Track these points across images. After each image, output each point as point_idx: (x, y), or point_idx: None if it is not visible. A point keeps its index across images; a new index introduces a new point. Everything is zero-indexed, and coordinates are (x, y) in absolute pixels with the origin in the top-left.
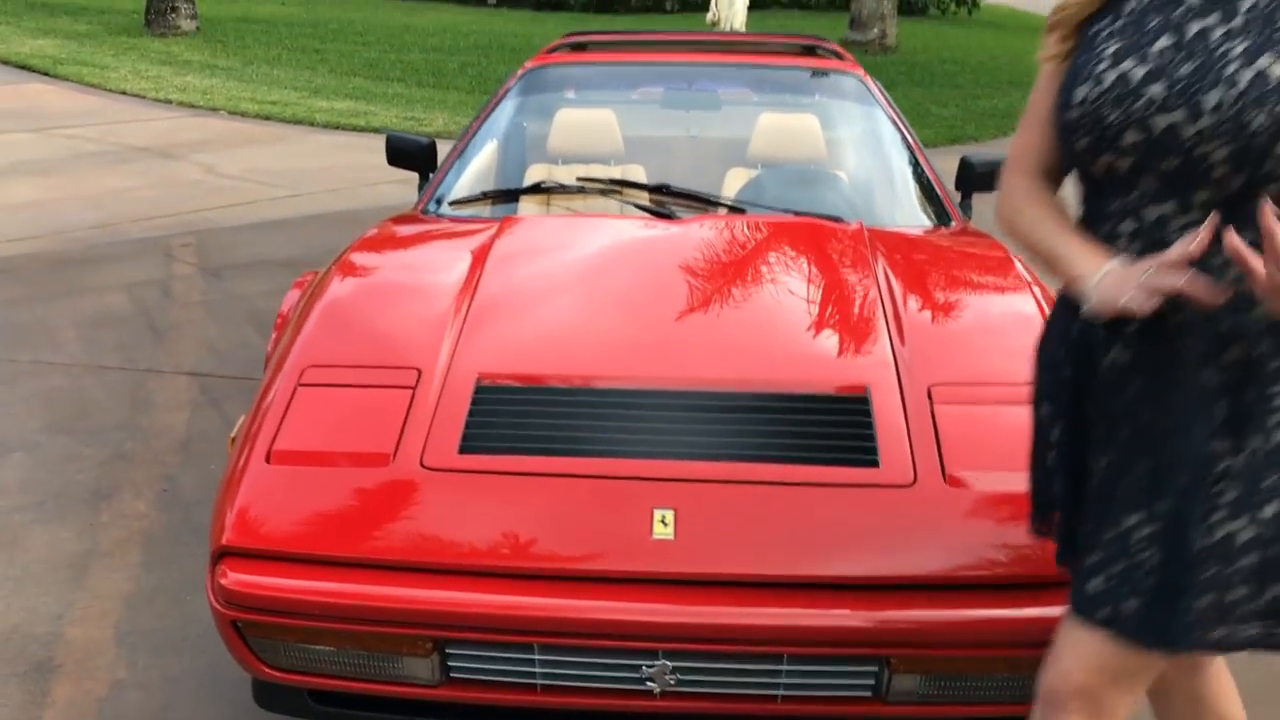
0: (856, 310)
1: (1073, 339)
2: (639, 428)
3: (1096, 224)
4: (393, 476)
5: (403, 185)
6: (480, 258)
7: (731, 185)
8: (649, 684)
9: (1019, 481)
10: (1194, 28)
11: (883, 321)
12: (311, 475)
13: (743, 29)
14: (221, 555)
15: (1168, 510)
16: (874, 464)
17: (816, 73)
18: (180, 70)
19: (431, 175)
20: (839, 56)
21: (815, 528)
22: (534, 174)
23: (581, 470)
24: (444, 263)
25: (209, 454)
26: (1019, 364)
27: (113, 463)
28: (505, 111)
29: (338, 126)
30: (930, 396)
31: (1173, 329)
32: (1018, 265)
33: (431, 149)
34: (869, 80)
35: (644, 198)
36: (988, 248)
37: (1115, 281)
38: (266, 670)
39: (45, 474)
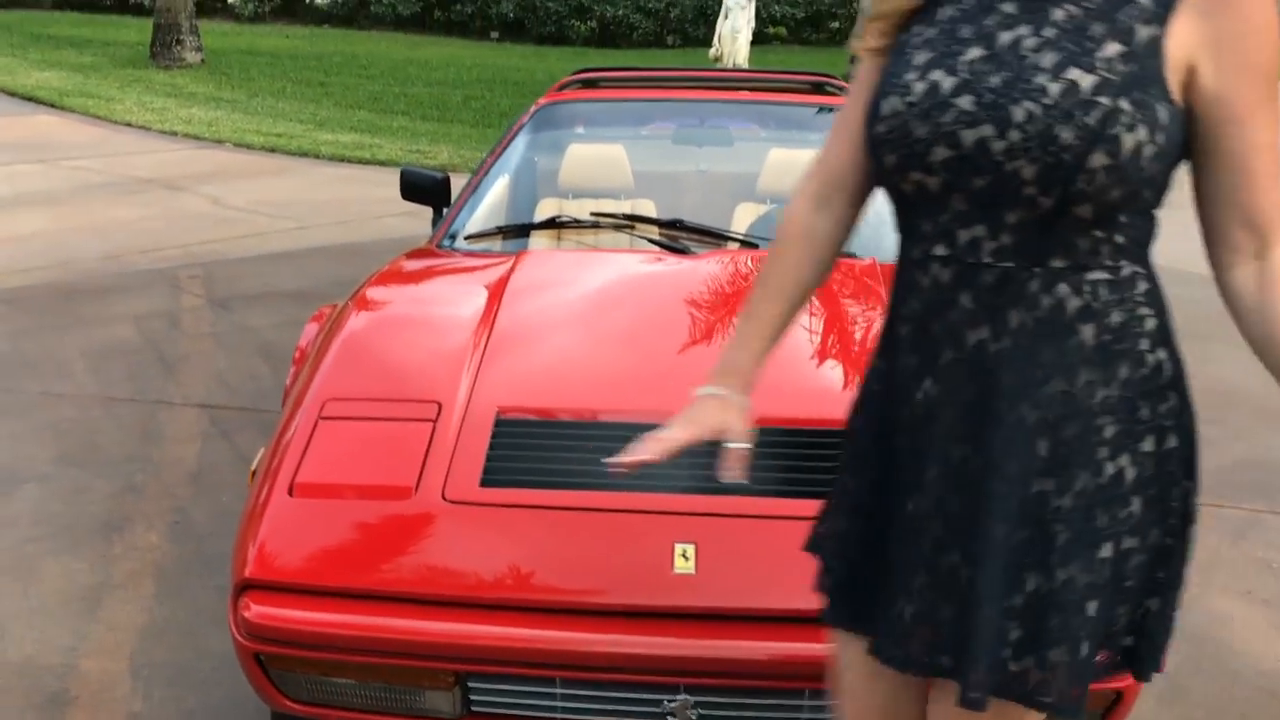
0: (871, 344)
1: (892, 379)
2: (662, 461)
3: (910, 246)
4: (415, 509)
5: (409, 218)
6: (497, 292)
7: (741, 220)
8: (670, 718)
9: None
10: (1006, 38)
11: None
12: (334, 508)
13: (745, 64)
14: (244, 588)
15: (985, 551)
16: None
17: (824, 109)
18: (185, 102)
19: (446, 210)
20: (845, 93)
21: None
22: (546, 208)
23: (603, 504)
24: (461, 297)
25: (219, 486)
26: None
27: (124, 494)
28: (518, 147)
29: (343, 159)
30: None
31: (990, 361)
32: None
33: (446, 184)
34: None
35: (657, 233)
36: None
37: (698, 408)
38: (288, 703)
39: (57, 505)
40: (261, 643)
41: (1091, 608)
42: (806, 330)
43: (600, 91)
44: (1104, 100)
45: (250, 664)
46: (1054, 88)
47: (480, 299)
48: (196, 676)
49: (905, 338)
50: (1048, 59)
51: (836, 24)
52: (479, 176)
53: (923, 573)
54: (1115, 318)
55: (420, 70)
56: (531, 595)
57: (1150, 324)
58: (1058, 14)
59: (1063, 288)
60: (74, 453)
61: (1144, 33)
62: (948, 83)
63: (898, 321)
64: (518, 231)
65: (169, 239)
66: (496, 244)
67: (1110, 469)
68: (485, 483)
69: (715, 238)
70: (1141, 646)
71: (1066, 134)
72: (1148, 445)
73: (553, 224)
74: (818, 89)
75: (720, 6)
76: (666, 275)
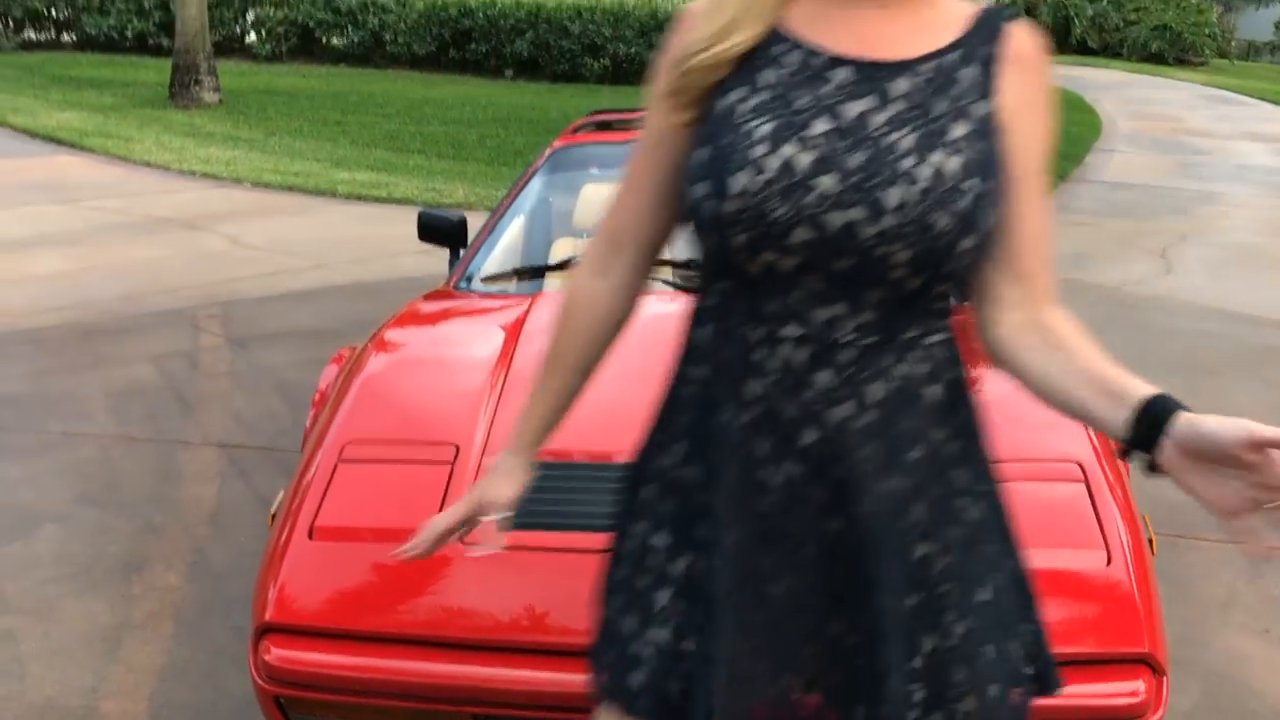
0: None
1: (728, 451)
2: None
3: (748, 326)
4: (435, 552)
5: (425, 256)
6: (513, 334)
7: None
8: None
9: (1051, 557)
10: (850, 111)
11: None
12: (353, 551)
13: None
14: (265, 631)
15: (879, 623)
16: None
17: None
18: (203, 142)
19: (462, 251)
20: None
21: None
22: (561, 249)
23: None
24: (478, 339)
25: (237, 525)
26: (1050, 440)
27: (143, 534)
28: (534, 189)
29: (359, 197)
30: None
31: (854, 437)
32: None
33: (462, 225)
34: None
35: (671, 273)
36: None
37: (478, 483)
38: None
39: (78, 546)
40: (281, 686)
41: (989, 651)
42: None
43: (614, 133)
44: (970, 185)
45: (270, 707)
46: (922, 172)
47: (497, 341)
48: (216, 718)
49: (748, 424)
50: (906, 139)
51: None
52: (495, 219)
53: (809, 644)
54: (950, 374)
55: (436, 109)
56: (548, 638)
57: (963, 371)
58: (898, 87)
59: (913, 355)
60: (94, 492)
61: (981, 109)
62: (803, 160)
63: (729, 408)
64: (533, 273)
65: (187, 278)
66: (513, 285)
67: (973, 515)
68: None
69: None
70: (1040, 669)
71: (942, 220)
72: (988, 483)
73: (569, 265)
74: None
75: None
76: (681, 315)
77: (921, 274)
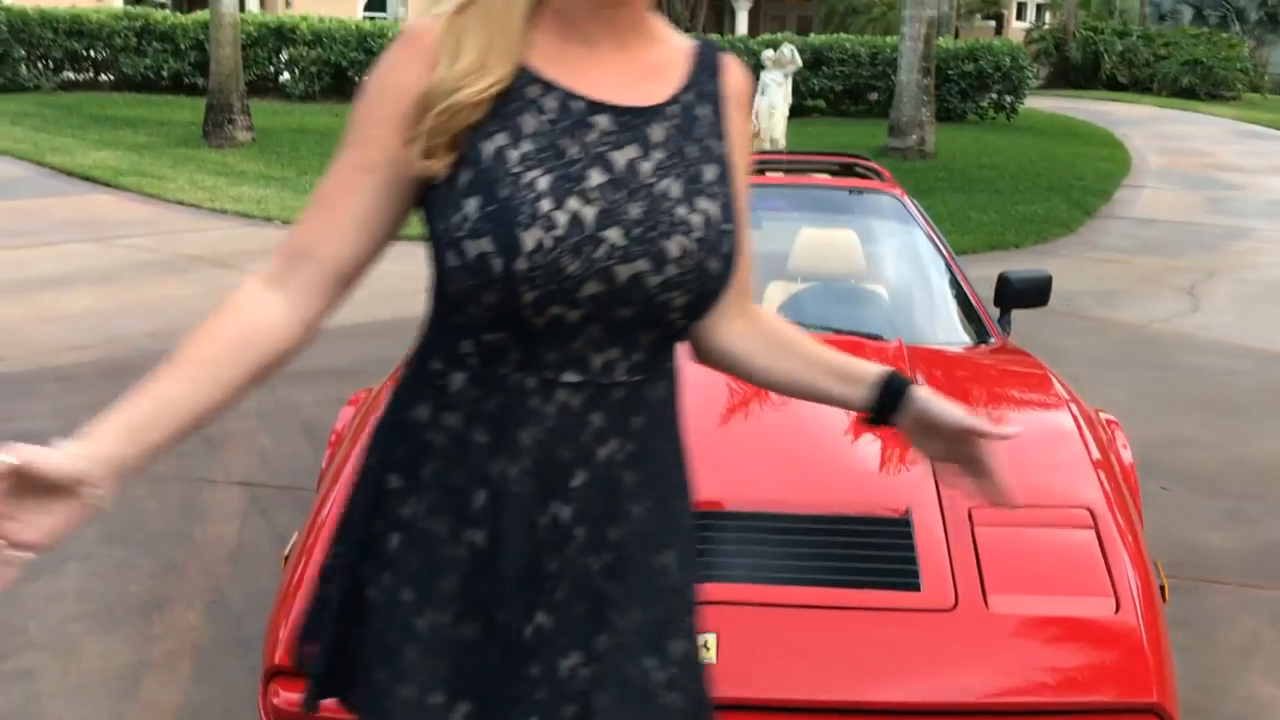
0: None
1: (501, 502)
2: None
3: (522, 375)
4: None
5: None
6: None
7: (772, 298)
8: None
9: (1059, 604)
10: (619, 160)
11: None
12: None
13: (781, 139)
14: (274, 674)
15: (626, 642)
16: (915, 587)
17: (854, 191)
18: (235, 181)
19: None
20: (877, 174)
21: (856, 652)
22: None
23: None
24: None
25: (258, 565)
26: (1061, 485)
27: (164, 573)
28: None
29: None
30: (971, 518)
31: (616, 469)
32: (1056, 383)
33: None
34: (906, 199)
35: None
36: (1026, 365)
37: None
38: None
39: (100, 584)
40: None
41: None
42: (830, 414)
43: None
44: (728, 227)
45: None
46: (695, 220)
47: None
48: None
49: (524, 472)
50: (674, 187)
51: (875, 95)
52: None
53: (546, 686)
54: (674, 390)
55: None
56: None
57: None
58: (655, 133)
59: (664, 382)
60: (117, 531)
61: (719, 148)
62: (589, 213)
63: (500, 459)
64: None
65: None
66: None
67: (687, 523)
68: None
69: None
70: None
71: (714, 264)
72: (685, 483)
73: None
74: (848, 170)
75: (758, 83)
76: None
77: (693, 314)
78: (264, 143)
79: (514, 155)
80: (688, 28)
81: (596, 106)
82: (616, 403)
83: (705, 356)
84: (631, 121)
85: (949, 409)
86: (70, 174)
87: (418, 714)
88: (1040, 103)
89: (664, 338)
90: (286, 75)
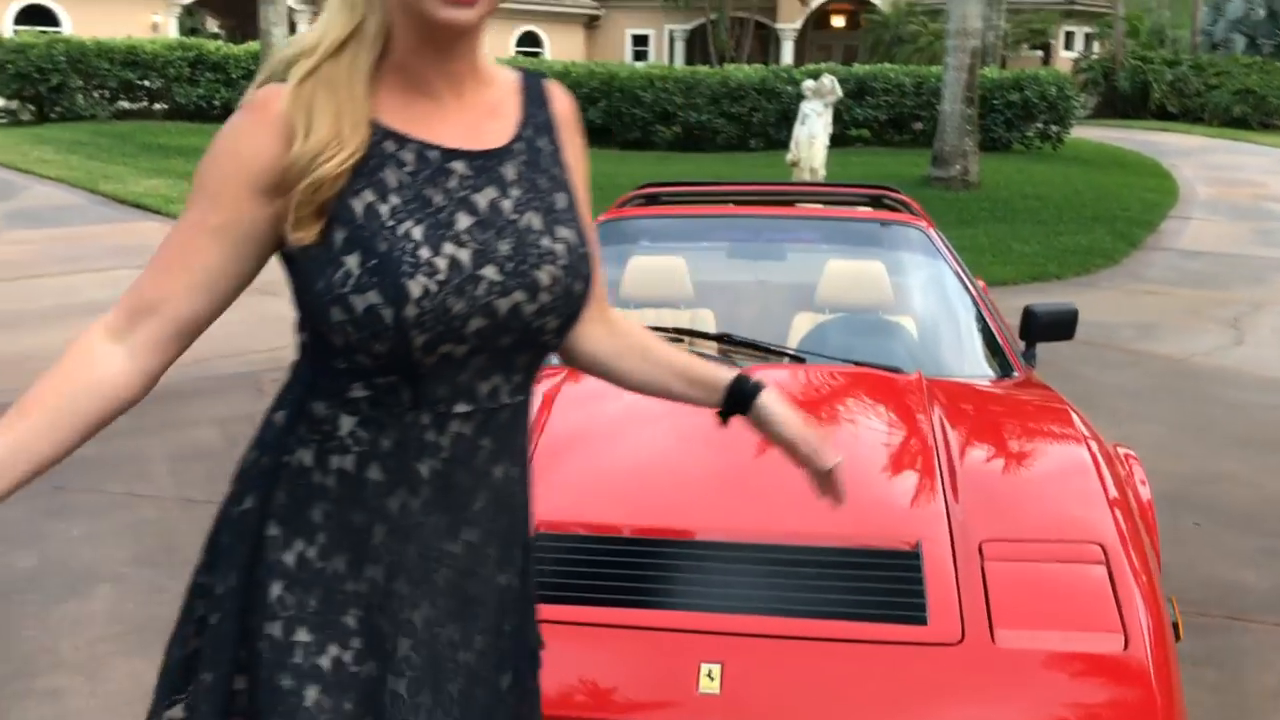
0: (910, 463)
1: (403, 535)
2: (690, 579)
3: (415, 412)
4: None
5: None
6: (546, 405)
7: (798, 329)
8: None
9: (1068, 640)
10: (481, 201)
11: (936, 474)
12: None
13: (821, 168)
14: None
15: (494, 652)
16: (921, 621)
17: (881, 224)
18: None
19: None
20: (906, 205)
21: (860, 685)
22: None
23: (631, 621)
24: None
25: None
26: (1074, 520)
27: None
28: None
29: None
30: (981, 552)
31: (511, 486)
32: (1075, 419)
33: None
34: (933, 232)
35: (706, 346)
36: (1046, 400)
37: None
38: None
39: (131, 606)
40: None
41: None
42: (845, 446)
43: (661, 208)
44: (584, 250)
45: None
46: (558, 248)
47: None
48: None
49: (426, 503)
50: (535, 220)
51: (920, 125)
52: None
53: (478, 690)
54: (530, 402)
55: None
56: (556, 711)
57: None
58: (508, 172)
59: (531, 401)
60: (151, 554)
61: (562, 175)
62: (464, 255)
63: (399, 493)
64: None
65: (254, 343)
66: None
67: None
68: None
69: (763, 351)
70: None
71: (578, 286)
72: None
73: None
74: (876, 202)
75: (798, 113)
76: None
77: (562, 333)
78: None
79: (384, 209)
80: (733, 57)
81: (450, 154)
82: (503, 425)
83: (573, 361)
84: (485, 164)
85: (785, 425)
86: (122, 201)
87: None
88: (1088, 132)
89: (536, 359)
90: None
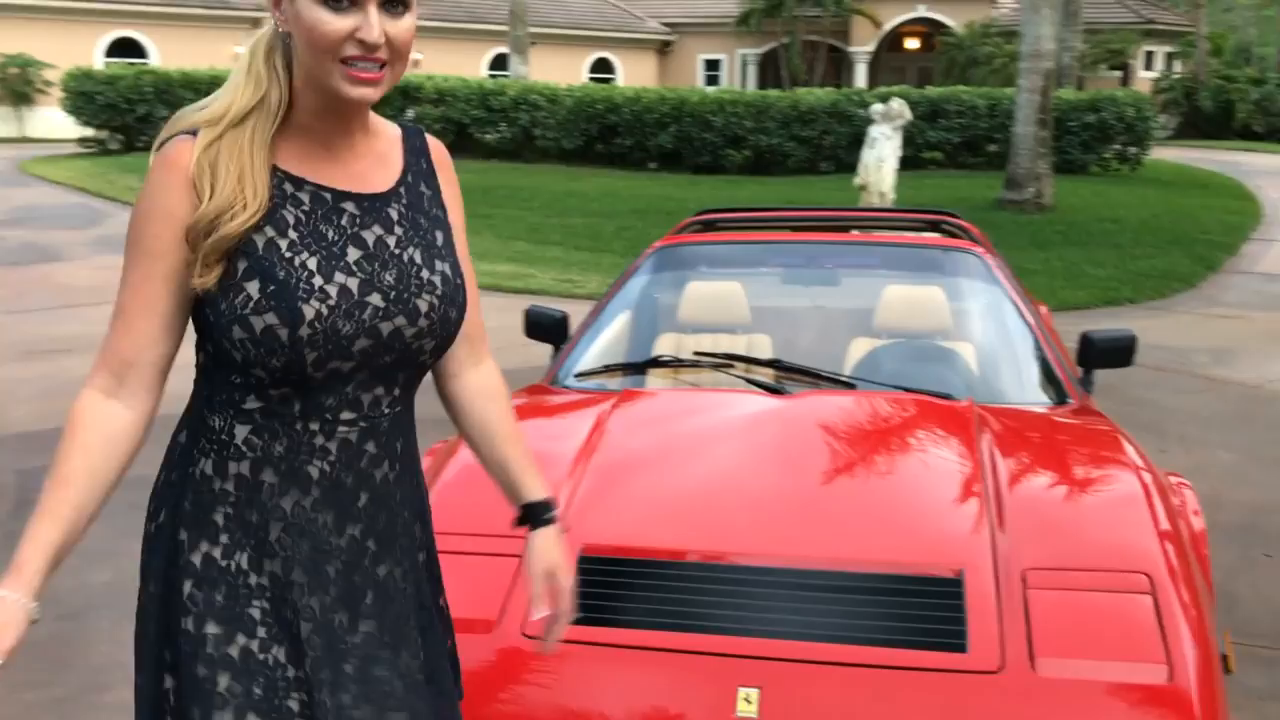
0: (956, 490)
1: (298, 530)
2: (731, 604)
3: (305, 421)
4: (496, 644)
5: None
6: (595, 430)
7: (855, 354)
8: None
9: (1110, 670)
10: (369, 237)
11: (982, 502)
12: None
13: (890, 191)
14: None
15: (401, 625)
16: (961, 649)
17: (936, 249)
18: None
19: (562, 347)
20: (964, 231)
21: (898, 711)
22: (662, 344)
23: (671, 644)
24: (562, 435)
25: None
26: (1121, 549)
27: None
28: (633, 288)
29: (498, 288)
30: (1024, 581)
31: (391, 488)
32: (1127, 447)
33: (564, 322)
34: (989, 258)
35: (757, 372)
36: (1098, 428)
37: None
38: None
39: None
40: None
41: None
42: (891, 473)
43: (717, 234)
44: (459, 281)
45: None
46: (435, 279)
47: (579, 437)
48: None
49: (316, 501)
50: (416, 255)
51: (994, 147)
52: (593, 316)
53: (356, 683)
54: (413, 412)
55: (578, 201)
56: None
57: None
58: (393, 213)
59: (411, 410)
60: None
61: (441, 215)
62: (353, 284)
63: (292, 494)
64: (623, 369)
65: None
66: (603, 381)
67: (429, 519)
68: None
69: (813, 377)
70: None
71: (453, 313)
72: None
73: (655, 363)
74: (934, 227)
75: (866, 137)
76: (758, 417)
77: (437, 355)
78: None
79: (283, 243)
80: (805, 81)
81: (342, 195)
82: (384, 432)
83: (441, 394)
84: (372, 205)
85: (536, 562)
86: None
87: None
88: (1168, 153)
89: (414, 375)
90: None
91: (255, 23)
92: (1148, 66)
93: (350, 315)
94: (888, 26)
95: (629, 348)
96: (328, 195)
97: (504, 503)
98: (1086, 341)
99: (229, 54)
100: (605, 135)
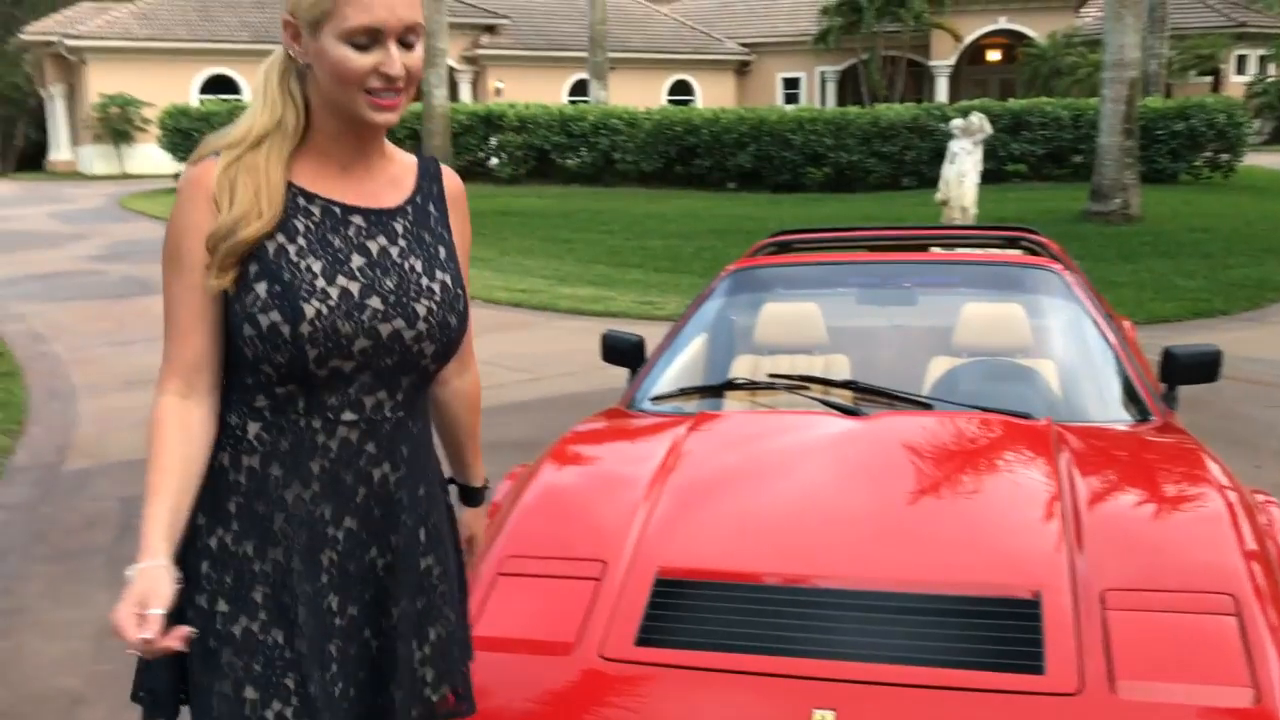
0: (1034, 510)
1: (298, 521)
2: (806, 625)
3: (308, 418)
4: (574, 666)
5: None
6: (670, 454)
7: (934, 373)
8: None
9: (1193, 693)
10: (374, 247)
11: (1060, 522)
12: (504, 662)
13: (972, 206)
14: None
15: (400, 625)
16: (1039, 671)
17: (1013, 267)
18: None
19: (638, 371)
20: (1043, 247)
21: None
22: (739, 366)
23: (746, 666)
24: (638, 458)
25: None
26: (1204, 569)
27: None
28: (708, 311)
29: (579, 312)
30: (1103, 601)
31: (392, 487)
32: (1211, 464)
33: (640, 346)
34: (1068, 274)
35: (832, 393)
36: (1181, 444)
37: (141, 585)
38: None
39: None
40: None
41: (462, 633)
42: (968, 494)
43: (792, 256)
44: (460, 291)
45: None
46: (435, 287)
47: (655, 460)
48: None
49: (315, 495)
50: (418, 264)
51: (1079, 158)
52: (668, 339)
53: (360, 660)
54: (428, 423)
55: (658, 223)
56: None
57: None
58: (398, 227)
59: (422, 418)
60: None
61: (447, 234)
62: (354, 287)
63: (294, 486)
64: (698, 393)
65: None
66: (679, 405)
67: (445, 531)
68: (640, 641)
69: (889, 398)
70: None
71: (453, 320)
72: (448, 501)
73: (729, 386)
74: (1012, 244)
75: (947, 152)
76: (833, 439)
77: (439, 360)
78: (475, 225)
79: (292, 249)
80: (885, 96)
81: (350, 209)
82: (385, 434)
83: (435, 401)
84: (380, 219)
85: (461, 531)
86: None
87: (236, 707)
88: (1264, 159)
89: (419, 381)
90: (495, 160)
91: None
92: (1240, 71)
93: (350, 316)
94: (968, 39)
95: (705, 371)
96: (337, 209)
97: (581, 527)
98: (1169, 357)
99: None
100: (684, 157)
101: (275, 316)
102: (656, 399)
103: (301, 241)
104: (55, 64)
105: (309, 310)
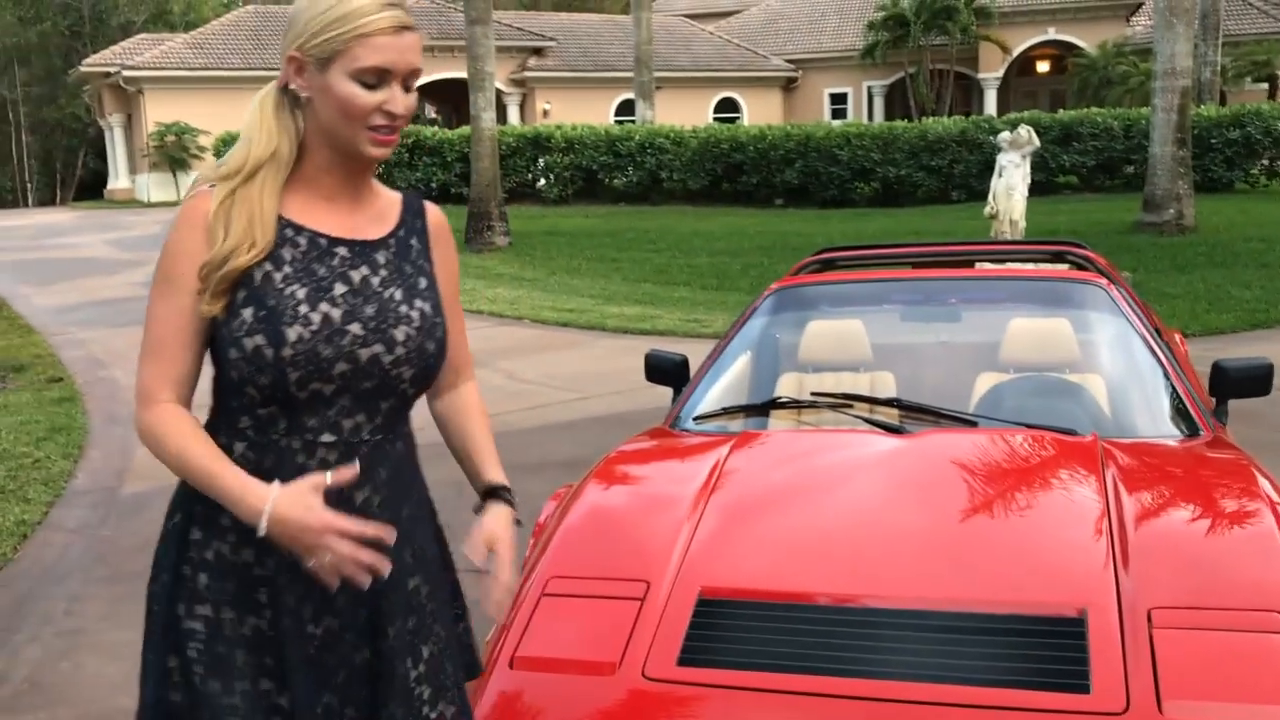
0: (1079, 527)
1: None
2: (848, 645)
3: (289, 438)
4: (618, 686)
5: None
6: (713, 474)
7: (980, 390)
8: None
9: (1243, 713)
10: (356, 275)
11: (1106, 539)
12: (547, 682)
13: (1021, 219)
14: None
15: (393, 645)
16: (1085, 690)
17: (1060, 283)
18: (492, 283)
19: (682, 390)
20: (1090, 262)
21: None
22: (784, 384)
23: (789, 686)
24: (681, 478)
25: None
26: (1251, 587)
27: None
28: (751, 329)
29: (625, 331)
30: (1150, 620)
31: (372, 511)
32: (1261, 480)
33: (684, 365)
34: (1115, 288)
35: (876, 411)
36: (1230, 460)
37: (287, 505)
38: None
39: None
40: None
41: (455, 651)
42: (1013, 512)
43: (835, 274)
44: (439, 319)
45: None
46: (414, 314)
47: (698, 480)
48: None
49: None
50: (397, 293)
51: (1130, 169)
52: (711, 359)
53: (344, 671)
54: (412, 444)
55: (704, 241)
56: None
57: (413, 439)
58: (380, 258)
59: (401, 443)
60: None
61: (427, 266)
62: (336, 313)
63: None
64: (741, 411)
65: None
66: (722, 424)
67: (432, 551)
68: (682, 661)
69: (933, 415)
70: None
71: (430, 346)
72: (435, 523)
73: (773, 405)
74: (1058, 259)
75: (995, 165)
76: (876, 458)
77: (418, 385)
78: (519, 246)
79: (278, 276)
80: (934, 110)
81: (335, 240)
82: (363, 456)
83: (430, 410)
84: (363, 250)
85: (482, 529)
86: None
87: (256, 700)
88: None
89: (398, 405)
90: (543, 181)
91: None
92: None
93: (330, 340)
94: (1017, 51)
95: (749, 389)
96: (323, 240)
97: (625, 547)
98: (1218, 371)
99: None
100: (731, 174)
101: (259, 340)
102: (700, 418)
103: (288, 269)
104: (113, 94)
105: (291, 334)
